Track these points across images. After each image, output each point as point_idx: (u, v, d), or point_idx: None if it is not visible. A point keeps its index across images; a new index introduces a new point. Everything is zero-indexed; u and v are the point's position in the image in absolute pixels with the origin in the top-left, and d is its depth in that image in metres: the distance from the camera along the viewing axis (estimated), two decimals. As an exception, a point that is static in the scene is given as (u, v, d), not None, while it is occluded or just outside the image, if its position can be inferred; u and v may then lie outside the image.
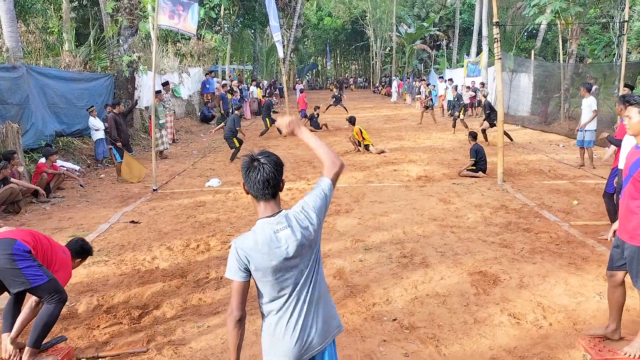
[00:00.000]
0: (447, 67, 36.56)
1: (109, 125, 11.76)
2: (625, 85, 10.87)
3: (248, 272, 2.42)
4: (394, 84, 38.35)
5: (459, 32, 43.80)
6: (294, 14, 39.00)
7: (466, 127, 17.37)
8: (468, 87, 23.11)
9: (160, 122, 13.72)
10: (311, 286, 2.49)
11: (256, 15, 31.62)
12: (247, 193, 2.53)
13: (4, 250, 3.85)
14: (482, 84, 22.89)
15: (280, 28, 37.43)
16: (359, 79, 71.78)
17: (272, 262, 2.39)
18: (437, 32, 47.71)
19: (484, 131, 15.39)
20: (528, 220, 7.70)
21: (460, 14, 44.77)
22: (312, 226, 2.47)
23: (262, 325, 2.53)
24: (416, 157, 13.33)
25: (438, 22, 49.53)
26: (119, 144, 11.44)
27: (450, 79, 23.87)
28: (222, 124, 15.47)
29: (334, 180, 2.61)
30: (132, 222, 8.03)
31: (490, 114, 15.51)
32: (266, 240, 2.40)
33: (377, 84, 53.44)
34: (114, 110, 12.09)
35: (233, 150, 13.42)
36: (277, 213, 2.47)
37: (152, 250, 6.73)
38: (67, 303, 5.21)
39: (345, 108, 24.15)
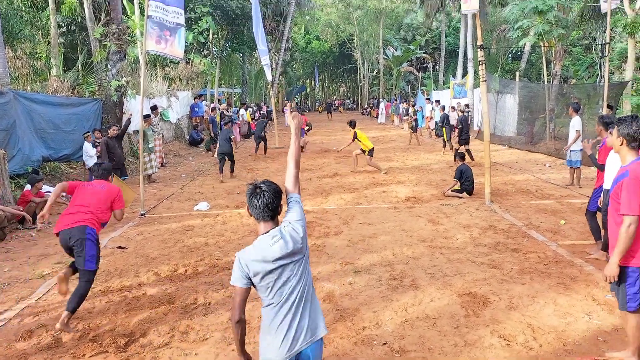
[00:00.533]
0: (434, 89, 36.82)
1: (100, 149, 11.69)
2: (608, 106, 11.06)
3: (249, 279, 2.90)
4: (381, 105, 38.58)
5: (445, 55, 44.81)
6: (282, 38, 39.54)
7: (452, 148, 17.57)
8: (453, 108, 23.40)
9: (150, 146, 13.70)
10: (301, 289, 2.94)
11: (244, 39, 31.91)
12: (250, 215, 3.03)
13: (79, 234, 5.26)
14: (467, 105, 23.23)
15: (269, 52, 37.41)
16: (347, 100, 72.45)
17: (267, 268, 2.88)
18: (424, 55, 48.74)
19: (468, 151, 15.60)
20: (516, 240, 7.73)
21: (446, 37, 45.88)
22: (298, 235, 2.95)
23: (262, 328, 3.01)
24: (404, 178, 13.38)
25: (424, 45, 50.68)
26: (109, 169, 11.39)
27: (437, 101, 24.12)
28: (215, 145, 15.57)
29: (299, 193, 3.21)
30: (119, 247, 7.95)
31: (462, 131, 15.76)
32: (263, 251, 2.89)
33: (365, 106, 53.18)
34: (107, 134, 12.01)
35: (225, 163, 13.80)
36: (272, 229, 2.98)
37: (139, 276, 6.65)
38: (52, 332, 5.13)
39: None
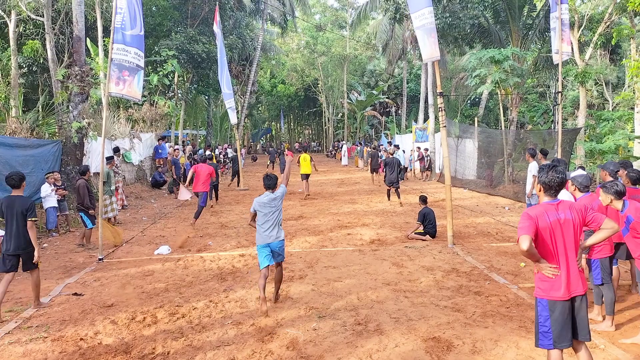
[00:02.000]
0: (397, 133, 38.02)
1: (82, 194, 11.25)
2: (541, 151, 11.37)
3: (255, 209, 6.95)
4: (344, 148, 39.50)
5: (407, 100, 46.20)
6: (247, 81, 39.91)
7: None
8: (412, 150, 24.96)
9: (112, 188, 13.41)
10: (276, 217, 6.89)
11: (210, 82, 31.82)
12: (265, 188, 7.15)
13: None
14: (426, 150, 23.97)
15: (235, 94, 35.98)
16: (312, 143, 73.32)
17: (264, 206, 6.85)
18: (386, 100, 50.38)
19: (396, 191, 16.03)
20: (478, 283, 7.80)
21: (408, 83, 47.26)
22: (277, 200, 6.96)
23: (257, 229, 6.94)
24: (369, 220, 13.44)
25: (387, 90, 52.25)
26: (92, 211, 11.04)
27: (397, 145, 24.58)
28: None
29: (286, 185, 7.31)
30: (75, 294, 7.65)
31: (386, 173, 16.07)
32: (263, 199, 6.89)
33: (330, 148, 54.18)
34: (84, 177, 11.66)
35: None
36: (272, 192, 6.99)
37: (95, 324, 6.39)
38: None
39: None
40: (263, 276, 6.72)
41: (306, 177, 17.68)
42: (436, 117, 24.05)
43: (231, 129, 45.84)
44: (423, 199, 11.97)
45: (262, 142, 78.25)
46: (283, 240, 6.90)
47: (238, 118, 35.07)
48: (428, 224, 11.17)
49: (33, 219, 6.89)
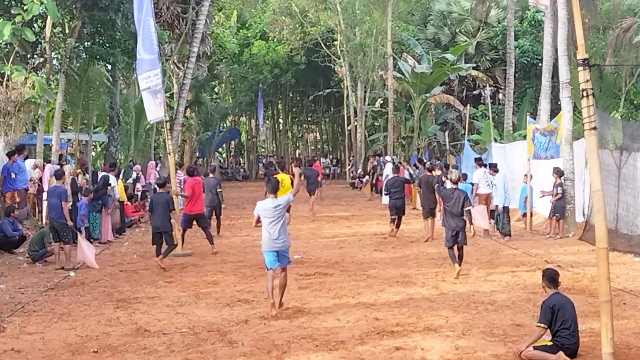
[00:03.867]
0: (496, 139, 21.21)
1: None
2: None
3: (258, 214, 7.44)
4: (387, 169, 19.34)
5: (517, 73, 24.58)
6: (191, 35, 21.29)
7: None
8: (525, 176, 13.91)
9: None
10: (281, 224, 7.29)
11: (116, 37, 17.34)
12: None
13: None
14: (557, 174, 12.79)
15: (166, 61, 22.61)
16: (323, 159, 40.48)
17: (266, 212, 7.27)
18: (474, 72, 27.27)
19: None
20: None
21: (517, 39, 25.24)
22: (279, 203, 7.31)
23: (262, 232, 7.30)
24: (439, 319, 7.10)
25: (475, 54, 28.08)
26: None
27: (493, 165, 14.04)
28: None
29: (294, 195, 7.88)
30: None
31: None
32: (266, 205, 7.32)
33: (357, 170, 29.21)
34: None
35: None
36: (273, 198, 7.39)
37: None
38: None
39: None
40: (270, 278, 7.22)
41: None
42: (577, 109, 13.58)
43: (159, 131, 24.52)
44: (550, 278, 6.25)
45: (221, 158, 45.52)
46: (289, 246, 7.55)
47: (171, 109, 21.39)
48: (561, 328, 6.00)
49: None
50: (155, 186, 12.07)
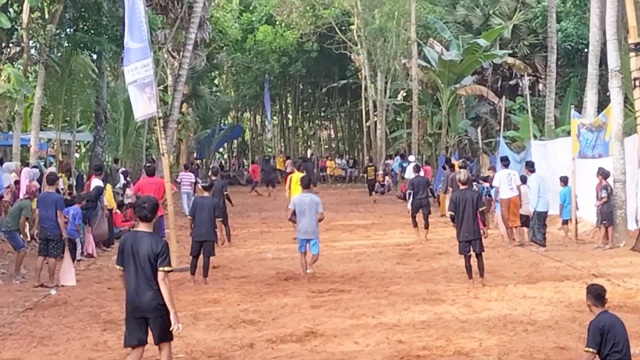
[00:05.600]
0: (535, 135, 19.31)
1: None
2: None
3: (294, 206, 9.54)
4: (409, 170, 17.98)
5: (559, 60, 23.01)
6: (189, 19, 19.83)
7: None
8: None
9: None
10: (311, 212, 9.37)
11: (103, 23, 15.96)
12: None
13: None
14: (603, 175, 12.69)
15: (159, 50, 21.30)
16: (338, 160, 37.35)
17: (303, 204, 9.45)
18: (510, 60, 24.94)
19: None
20: None
21: (560, 22, 23.48)
22: (316, 205, 9.44)
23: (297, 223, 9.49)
24: (472, 341, 6.39)
25: (511, 39, 25.68)
26: None
27: (530, 164, 12.86)
28: None
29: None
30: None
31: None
32: (304, 198, 9.58)
33: (377, 172, 24.79)
34: None
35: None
36: (307, 192, 9.82)
37: None
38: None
39: None
40: (303, 256, 9.44)
41: None
42: (627, 101, 12.91)
43: (151, 129, 23.13)
44: (597, 295, 5.60)
45: (221, 158, 42.89)
46: (317, 239, 9.49)
47: (165, 103, 19.83)
48: (612, 351, 5.34)
49: None
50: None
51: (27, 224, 11.02)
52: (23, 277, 9.73)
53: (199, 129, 33.71)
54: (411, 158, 21.74)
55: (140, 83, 9.57)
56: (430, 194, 13.94)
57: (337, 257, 11.88)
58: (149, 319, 4.78)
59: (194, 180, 16.22)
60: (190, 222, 9.86)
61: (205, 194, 9.95)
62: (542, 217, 12.06)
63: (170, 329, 4.79)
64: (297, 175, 12.87)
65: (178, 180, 18.48)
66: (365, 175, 26.32)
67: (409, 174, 17.21)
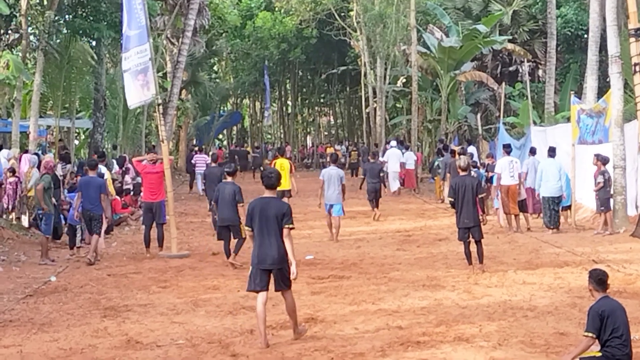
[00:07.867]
0: (535, 121, 19.68)
1: None
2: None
3: (324, 177, 11.93)
4: (409, 158, 20.06)
5: (559, 46, 23.50)
6: (187, 5, 20.03)
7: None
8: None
9: None
10: (336, 183, 11.63)
11: (101, 9, 16.19)
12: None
13: None
14: (601, 161, 11.55)
15: (158, 36, 21.39)
16: (337, 146, 36.16)
17: (331, 177, 11.76)
18: (510, 46, 25.21)
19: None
20: None
21: (559, 7, 23.84)
22: (341, 178, 11.69)
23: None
24: (471, 327, 6.59)
25: (510, 25, 26.05)
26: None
27: (533, 150, 13.61)
28: None
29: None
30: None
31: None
32: (331, 171, 11.87)
33: (360, 156, 27.19)
34: None
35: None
36: (333, 167, 12.26)
37: None
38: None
39: None
40: (328, 217, 11.60)
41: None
42: (627, 87, 13.04)
43: (150, 116, 23.58)
44: (598, 280, 5.59)
45: (220, 144, 42.72)
46: (340, 204, 11.51)
47: (164, 90, 19.64)
48: (611, 337, 5.36)
49: None
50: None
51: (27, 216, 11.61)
52: (52, 260, 10.18)
53: (198, 115, 33.76)
54: (393, 143, 22.24)
55: (133, 70, 9.62)
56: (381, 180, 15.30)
57: (337, 243, 12.04)
58: (272, 270, 5.79)
59: (209, 161, 17.30)
60: (214, 207, 10.63)
61: (229, 179, 10.22)
62: (556, 202, 12.29)
63: (292, 277, 5.84)
64: (281, 161, 13.80)
65: (193, 162, 19.73)
66: (348, 159, 27.92)
67: (387, 158, 19.72)
